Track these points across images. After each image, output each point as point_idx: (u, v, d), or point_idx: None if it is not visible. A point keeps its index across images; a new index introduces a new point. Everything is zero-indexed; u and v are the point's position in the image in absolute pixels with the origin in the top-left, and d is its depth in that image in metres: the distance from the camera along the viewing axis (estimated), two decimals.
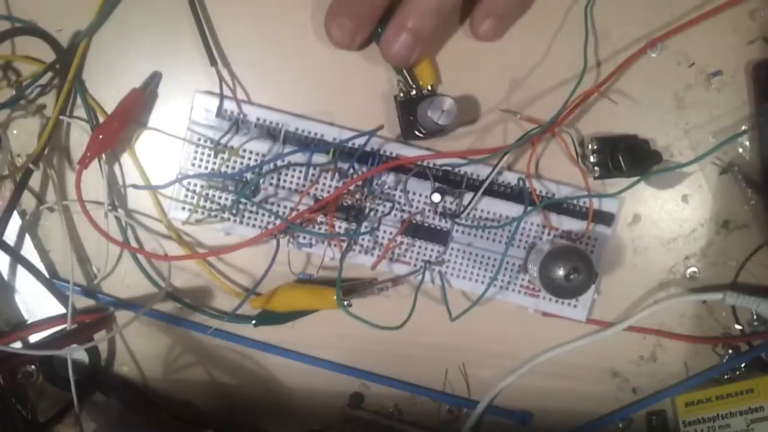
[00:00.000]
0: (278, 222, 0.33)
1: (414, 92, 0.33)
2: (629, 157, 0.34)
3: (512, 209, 0.35)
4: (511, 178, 0.34)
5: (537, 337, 0.36)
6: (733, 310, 0.37)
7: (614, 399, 0.38)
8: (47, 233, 0.35)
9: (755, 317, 0.36)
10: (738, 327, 0.37)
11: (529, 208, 0.34)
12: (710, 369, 0.37)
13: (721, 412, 0.36)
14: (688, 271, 0.36)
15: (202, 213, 0.33)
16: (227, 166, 0.33)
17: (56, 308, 0.34)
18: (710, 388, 0.37)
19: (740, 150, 0.36)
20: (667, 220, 0.36)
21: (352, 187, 0.33)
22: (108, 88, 0.33)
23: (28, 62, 0.33)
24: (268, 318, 0.35)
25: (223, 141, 0.33)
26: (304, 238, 0.34)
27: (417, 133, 0.33)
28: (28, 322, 0.34)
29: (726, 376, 0.37)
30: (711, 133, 0.35)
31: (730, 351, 0.37)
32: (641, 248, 0.36)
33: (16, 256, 0.34)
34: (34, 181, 0.34)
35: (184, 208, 0.33)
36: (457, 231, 0.35)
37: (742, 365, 0.37)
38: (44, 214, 0.34)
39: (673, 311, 0.37)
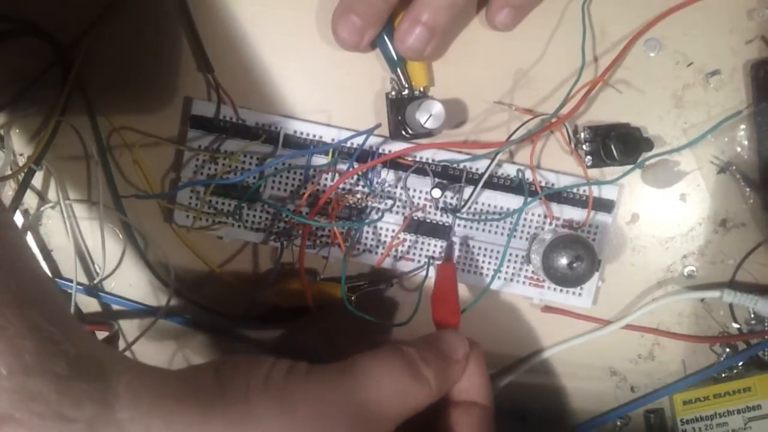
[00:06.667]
0: (281, 225, 0.33)
1: (406, 92, 0.33)
2: (621, 146, 0.34)
3: (513, 201, 0.35)
4: (510, 170, 0.34)
5: (535, 335, 0.37)
6: (730, 308, 0.37)
7: (612, 397, 0.38)
8: (49, 232, 0.35)
9: (753, 316, 0.37)
10: (735, 326, 0.37)
11: (529, 198, 0.34)
12: (708, 367, 0.37)
13: (719, 411, 0.36)
14: (686, 269, 0.37)
15: (206, 220, 0.34)
16: (227, 172, 0.33)
17: None
18: (708, 386, 0.37)
19: (738, 149, 0.36)
20: (665, 219, 0.36)
21: (353, 187, 0.34)
22: (108, 88, 0.33)
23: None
24: (274, 316, 0.35)
25: (223, 147, 0.33)
26: (308, 240, 0.34)
27: (404, 133, 0.34)
28: None
29: (723, 375, 0.37)
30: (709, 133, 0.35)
31: (728, 349, 0.37)
32: (639, 247, 0.36)
33: None
34: (36, 180, 0.34)
35: (187, 216, 0.33)
36: (459, 225, 0.35)
37: (740, 364, 0.37)
38: (46, 213, 0.35)
39: (671, 310, 0.37)
